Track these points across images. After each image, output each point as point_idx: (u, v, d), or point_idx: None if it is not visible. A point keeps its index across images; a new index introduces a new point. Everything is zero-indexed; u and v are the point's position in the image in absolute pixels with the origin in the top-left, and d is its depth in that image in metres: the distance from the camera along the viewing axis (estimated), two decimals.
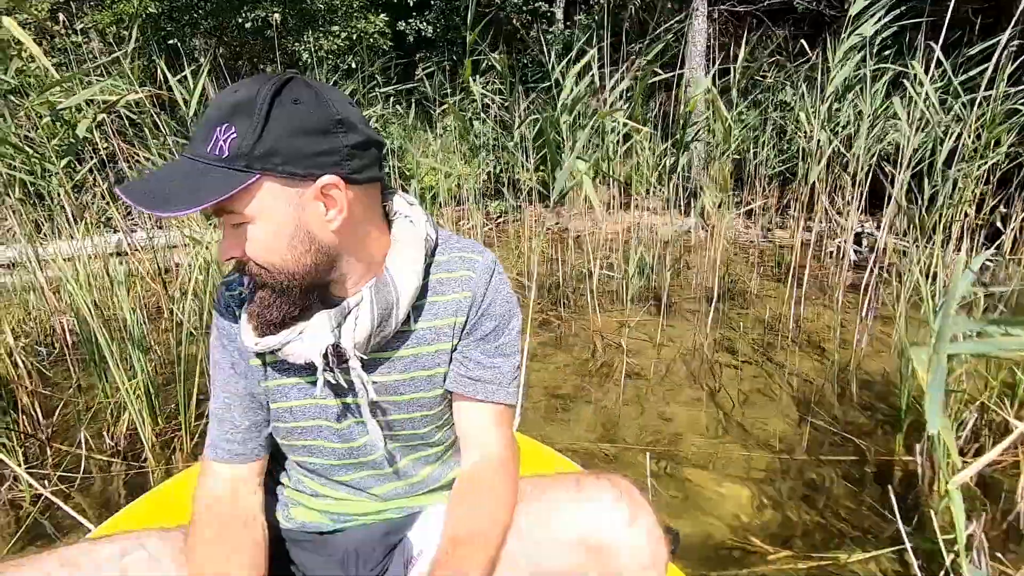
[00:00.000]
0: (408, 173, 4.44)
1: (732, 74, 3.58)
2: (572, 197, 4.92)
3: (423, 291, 0.71)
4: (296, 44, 4.39)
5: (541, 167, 4.07)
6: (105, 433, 1.78)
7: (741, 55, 3.49)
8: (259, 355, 0.72)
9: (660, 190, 5.25)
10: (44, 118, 1.78)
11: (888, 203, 2.85)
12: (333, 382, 0.69)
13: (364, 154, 0.62)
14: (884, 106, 3.38)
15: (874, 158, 2.94)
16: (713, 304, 2.82)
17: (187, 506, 0.71)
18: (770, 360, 2.36)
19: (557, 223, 4.79)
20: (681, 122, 2.71)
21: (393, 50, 5.53)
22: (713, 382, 2.19)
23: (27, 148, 2.06)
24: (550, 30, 6.40)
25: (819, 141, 3.48)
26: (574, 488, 0.69)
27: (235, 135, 0.56)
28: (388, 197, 0.73)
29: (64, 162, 1.74)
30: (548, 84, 5.42)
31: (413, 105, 4.92)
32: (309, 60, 4.19)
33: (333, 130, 0.59)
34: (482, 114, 4.48)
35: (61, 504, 1.32)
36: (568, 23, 6.79)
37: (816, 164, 2.89)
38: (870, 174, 2.98)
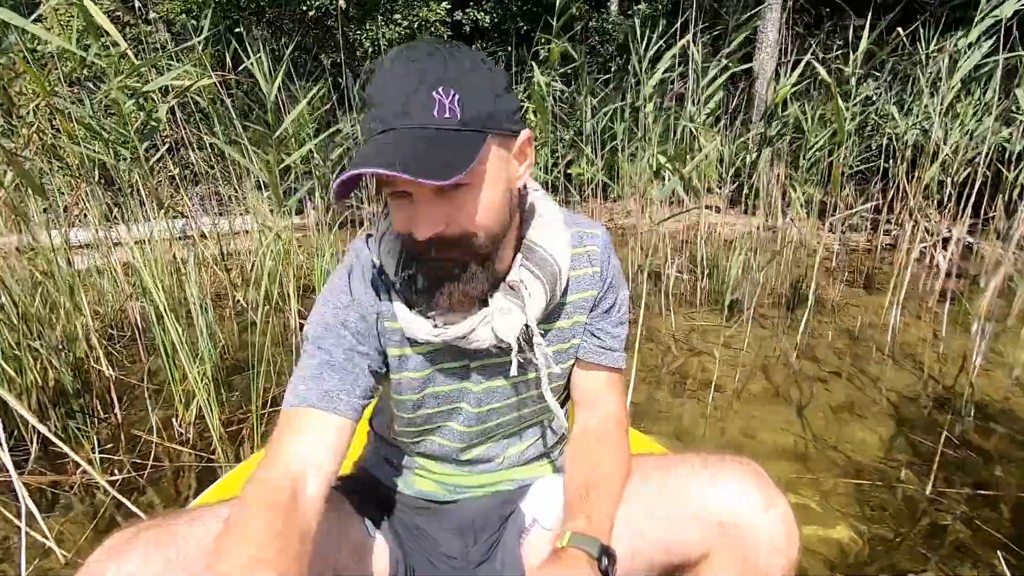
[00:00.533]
0: None
1: (803, 66, 3.34)
2: (629, 192, 4.76)
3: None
4: (358, 32, 4.36)
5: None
6: (175, 420, 1.77)
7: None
8: (412, 344, 0.71)
9: (721, 187, 5.02)
10: (126, 103, 1.76)
11: (992, 206, 2.59)
12: (522, 361, 0.70)
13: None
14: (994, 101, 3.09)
15: (985, 156, 2.68)
16: (793, 310, 2.63)
17: None
18: (863, 373, 2.17)
19: (611, 219, 4.64)
20: (763, 115, 2.52)
21: (452, 40, 5.46)
22: (799, 396, 2.03)
23: (103, 132, 2.07)
24: (609, 20, 6.20)
25: (907, 139, 3.22)
26: (702, 468, 0.69)
27: (459, 99, 0.54)
28: None
29: (145, 146, 1.72)
30: (608, 76, 5.25)
31: None
32: (371, 48, 4.16)
33: (511, 87, 0.61)
34: (548, 103, 4.36)
35: (126, 502, 1.29)
36: (626, 13, 6.57)
37: (901, 163, 2.66)
38: (974, 175, 2.72)
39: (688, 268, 3.28)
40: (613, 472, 0.71)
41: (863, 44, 2.04)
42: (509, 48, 6.45)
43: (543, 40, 4.55)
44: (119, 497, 1.33)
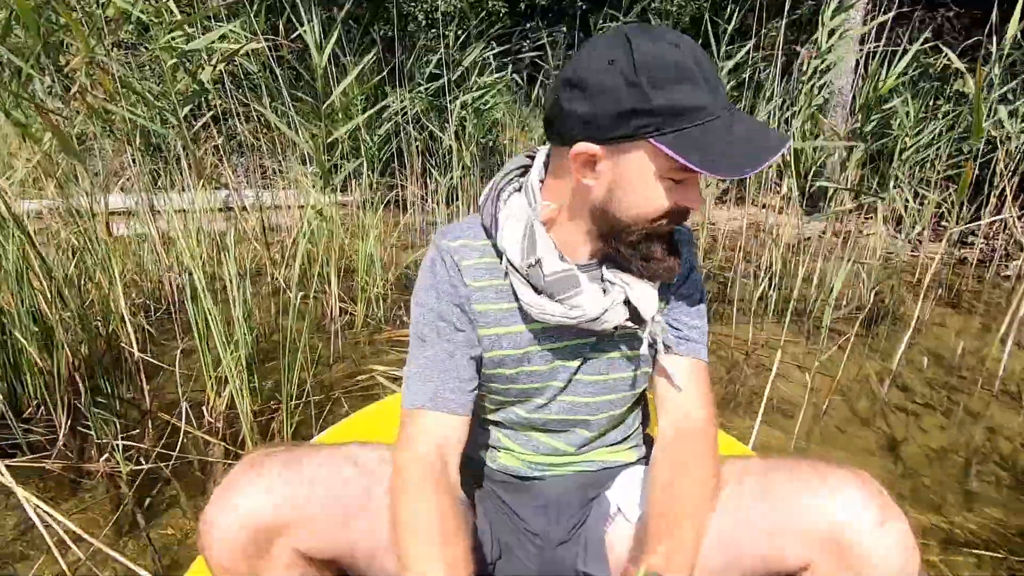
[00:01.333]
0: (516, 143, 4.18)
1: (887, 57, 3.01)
2: None
3: None
4: (411, 5, 4.21)
5: None
6: (205, 408, 1.66)
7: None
8: (507, 324, 0.73)
9: (778, 185, 4.70)
10: (170, 61, 1.64)
11: None
12: (648, 339, 0.74)
13: None
14: None
15: None
16: (872, 327, 2.37)
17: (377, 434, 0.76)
18: (962, 409, 1.91)
19: None
20: (861, 110, 2.25)
21: (508, 16, 5.25)
22: (888, 429, 1.79)
23: (148, 95, 1.96)
24: (673, 1, 5.86)
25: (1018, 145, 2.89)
26: (815, 476, 0.64)
27: None
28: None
29: (186, 109, 1.60)
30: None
31: (524, 77, 4.64)
32: (424, 21, 4.00)
33: None
34: None
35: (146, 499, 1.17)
36: None
37: (1007, 172, 2.34)
38: None
39: (753, 273, 3.03)
40: (698, 497, 0.68)
41: (1013, 26, 1.75)
42: (566, 29, 6.20)
43: (604, 19, 4.29)
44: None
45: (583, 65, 0.60)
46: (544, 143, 0.75)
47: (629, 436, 0.84)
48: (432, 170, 3.15)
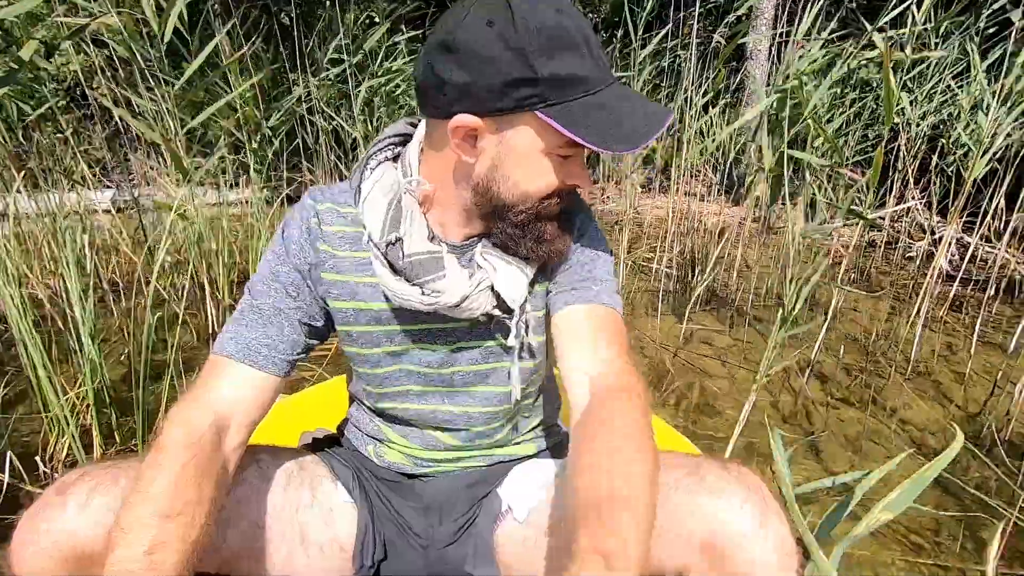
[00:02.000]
0: None
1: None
2: (605, 173, 4.43)
3: None
4: None
5: None
6: (38, 458, 1.38)
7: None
8: (365, 299, 0.68)
9: (705, 173, 4.74)
10: None
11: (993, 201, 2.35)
12: (508, 326, 0.68)
13: None
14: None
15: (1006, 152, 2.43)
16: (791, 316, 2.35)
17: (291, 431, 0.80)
18: (877, 398, 1.90)
19: (592, 204, 4.31)
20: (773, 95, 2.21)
21: None
22: (809, 425, 1.75)
23: None
24: None
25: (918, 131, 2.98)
26: (694, 475, 0.59)
27: None
28: None
29: (3, 91, 1.30)
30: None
31: None
32: (328, 1, 3.70)
33: None
34: None
35: None
36: None
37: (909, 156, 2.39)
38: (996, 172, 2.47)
39: (677, 263, 2.98)
40: (635, 473, 0.52)
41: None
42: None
43: None
44: None
45: (459, 27, 0.54)
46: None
47: (525, 429, 0.78)
48: (344, 162, 2.90)
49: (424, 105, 0.60)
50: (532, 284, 0.68)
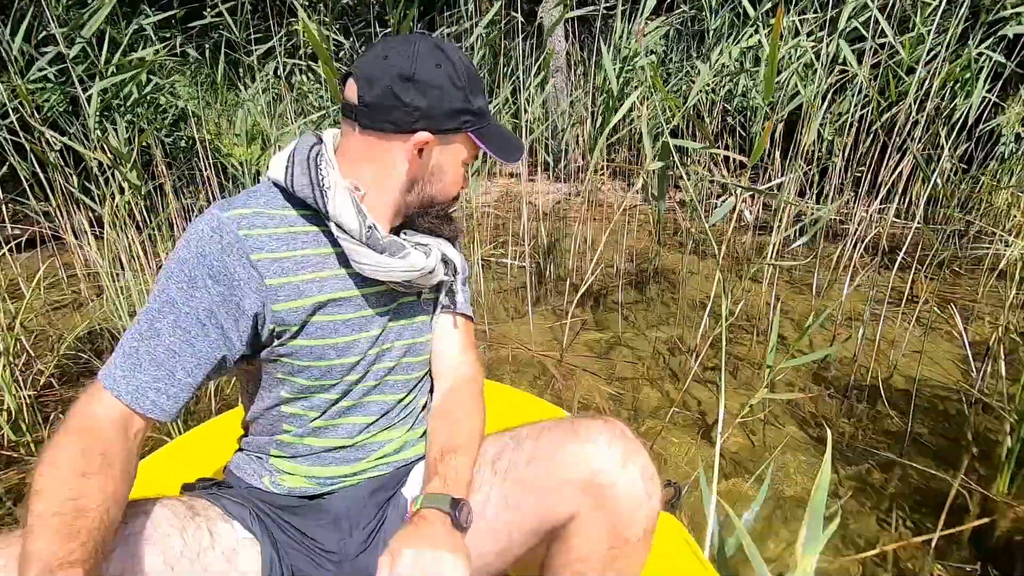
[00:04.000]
0: (215, 145, 3.26)
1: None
2: None
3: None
4: None
5: None
6: None
7: None
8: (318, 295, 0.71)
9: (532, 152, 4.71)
10: None
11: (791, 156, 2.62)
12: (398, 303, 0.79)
13: None
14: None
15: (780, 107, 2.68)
16: (641, 289, 2.36)
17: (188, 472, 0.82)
18: (749, 364, 1.96)
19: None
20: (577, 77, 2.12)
21: None
22: (699, 408, 1.72)
23: None
24: None
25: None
26: (571, 432, 0.71)
27: None
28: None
29: None
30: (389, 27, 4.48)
31: (209, 54, 3.65)
32: None
33: None
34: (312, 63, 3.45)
35: None
36: None
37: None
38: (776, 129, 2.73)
39: (518, 252, 2.84)
40: (468, 434, 0.77)
41: None
42: None
43: None
44: None
45: (415, 65, 0.68)
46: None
47: (420, 431, 0.84)
48: (103, 187, 2.16)
49: (378, 120, 0.70)
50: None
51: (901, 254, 2.03)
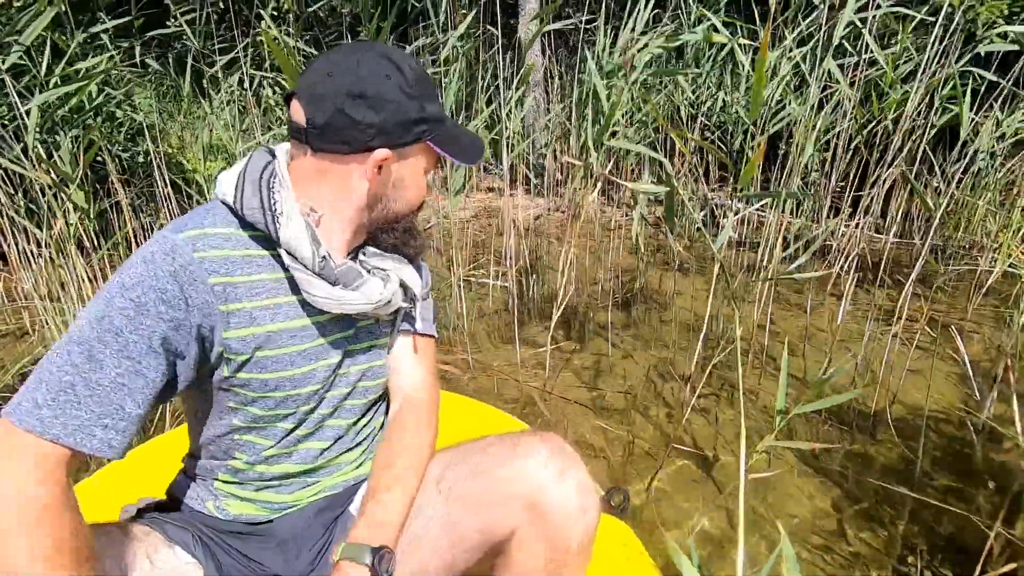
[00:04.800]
0: (177, 161, 3.08)
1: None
2: None
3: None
4: None
5: None
6: None
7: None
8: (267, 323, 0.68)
9: (498, 166, 4.63)
10: None
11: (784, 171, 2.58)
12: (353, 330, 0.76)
13: None
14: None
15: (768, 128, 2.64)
16: (628, 309, 2.27)
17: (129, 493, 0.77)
18: (749, 395, 1.87)
19: None
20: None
21: None
22: (696, 444, 1.62)
23: None
24: None
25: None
26: (511, 447, 0.71)
27: None
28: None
29: None
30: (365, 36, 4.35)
31: (173, 65, 3.48)
32: None
33: None
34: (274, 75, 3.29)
35: None
36: None
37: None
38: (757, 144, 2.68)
39: (499, 272, 2.72)
40: (408, 462, 0.75)
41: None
42: (221, 3, 5.00)
43: None
44: None
45: (363, 80, 0.65)
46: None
47: (370, 450, 0.83)
48: (42, 212, 1.97)
49: (330, 141, 0.66)
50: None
51: (885, 272, 1.98)
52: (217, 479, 0.74)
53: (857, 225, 2.30)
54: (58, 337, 1.67)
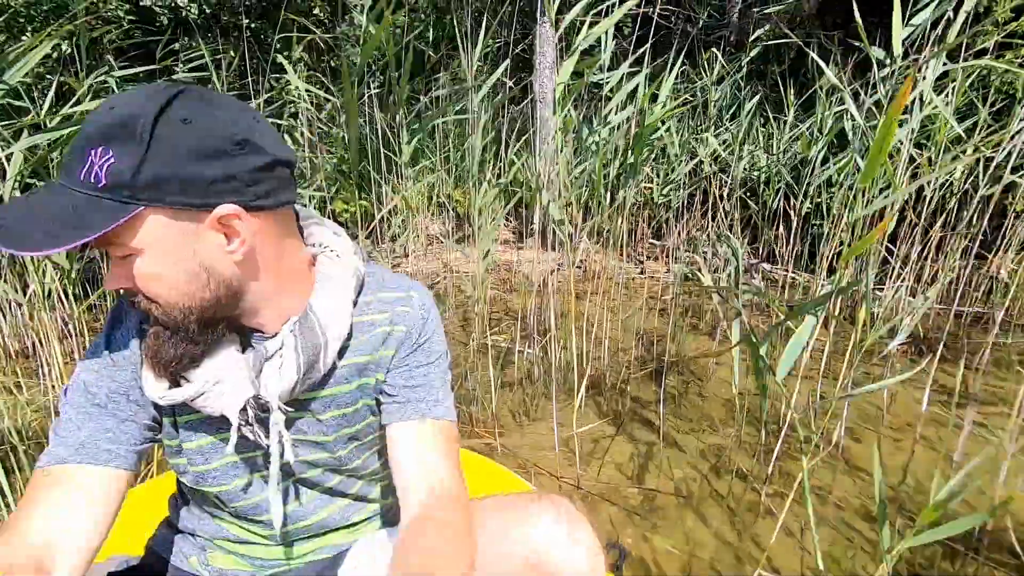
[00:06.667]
0: None
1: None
2: (397, 225, 3.85)
3: (349, 330, 0.66)
4: None
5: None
6: None
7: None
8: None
9: (509, 220, 4.48)
10: None
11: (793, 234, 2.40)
12: (251, 437, 0.62)
13: (270, 176, 0.55)
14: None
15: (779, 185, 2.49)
16: (661, 380, 2.03)
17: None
18: (819, 491, 1.61)
19: (396, 266, 3.67)
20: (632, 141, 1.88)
21: (138, 28, 3.83)
22: (769, 564, 1.36)
23: None
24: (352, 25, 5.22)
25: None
26: (517, 512, 0.68)
27: (113, 160, 0.49)
28: (308, 223, 0.68)
29: None
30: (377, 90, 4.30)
31: None
32: None
33: (231, 152, 0.52)
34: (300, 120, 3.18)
35: None
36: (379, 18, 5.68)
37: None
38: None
39: (517, 335, 2.50)
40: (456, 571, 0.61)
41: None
42: (233, 52, 4.99)
43: (279, 29, 3.36)
44: None
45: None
46: None
47: (362, 512, 0.76)
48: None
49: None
50: (329, 384, 0.67)
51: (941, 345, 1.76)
52: (199, 531, 0.71)
53: (926, 296, 2.10)
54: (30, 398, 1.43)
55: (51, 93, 2.09)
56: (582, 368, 2.24)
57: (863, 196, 1.75)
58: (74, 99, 2.20)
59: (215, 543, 0.71)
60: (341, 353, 0.66)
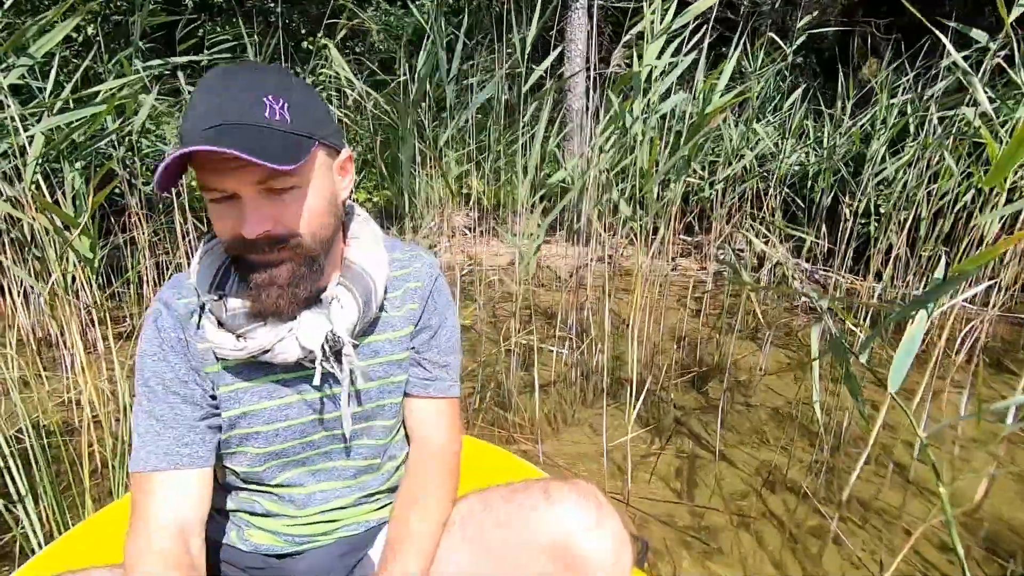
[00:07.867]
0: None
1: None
2: (425, 214, 3.75)
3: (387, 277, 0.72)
4: None
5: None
6: None
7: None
8: (220, 360, 0.67)
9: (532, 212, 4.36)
10: None
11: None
12: (328, 368, 0.67)
13: None
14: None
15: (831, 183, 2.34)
16: (702, 389, 1.91)
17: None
18: (881, 514, 1.49)
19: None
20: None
21: (163, 9, 3.76)
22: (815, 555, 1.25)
23: None
24: (391, 13, 5.11)
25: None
26: (542, 495, 0.69)
27: (288, 106, 0.56)
28: None
29: None
30: (396, 78, 4.19)
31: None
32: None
33: (330, 111, 0.63)
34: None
35: None
36: (405, 7, 5.57)
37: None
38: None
39: (554, 335, 2.40)
40: (427, 523, 0.71)
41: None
42: (255, 36, 4.92)
43: (316, 28, 3.26)
44: None
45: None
46: None
47: (390, 489, 0.79)
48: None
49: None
50: (373, 332, 0.72)
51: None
52: (239, 509, 0.74)
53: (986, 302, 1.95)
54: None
55: (77, 75, 2.01)
56: (628, 375, 2.12)
57: (982, 197, 1.60)
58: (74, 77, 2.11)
59: (248, 521, 0.74)
60: (380, 307, 0.71)
